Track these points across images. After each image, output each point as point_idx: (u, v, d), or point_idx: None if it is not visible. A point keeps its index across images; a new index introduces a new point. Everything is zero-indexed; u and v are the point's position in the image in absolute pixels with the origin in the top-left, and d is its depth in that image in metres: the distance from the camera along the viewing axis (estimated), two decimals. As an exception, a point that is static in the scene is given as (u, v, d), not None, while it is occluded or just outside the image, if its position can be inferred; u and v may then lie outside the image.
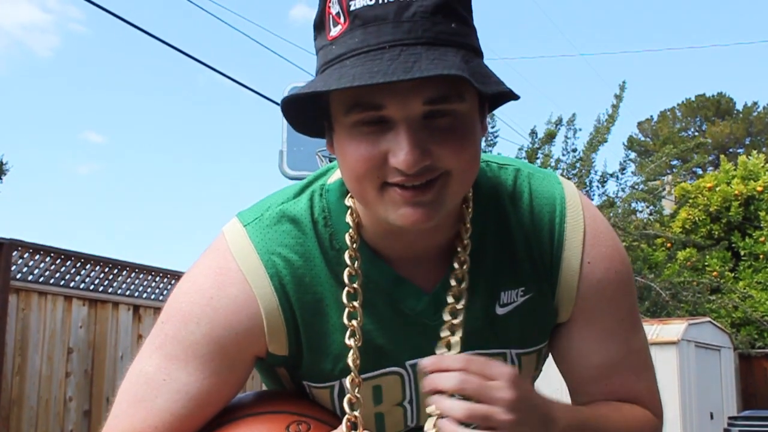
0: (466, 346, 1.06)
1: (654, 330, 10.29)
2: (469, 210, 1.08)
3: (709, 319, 11.79)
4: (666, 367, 9.90)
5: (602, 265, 1.12)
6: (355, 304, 1.05)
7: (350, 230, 1.06)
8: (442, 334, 1.07)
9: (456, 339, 1.06)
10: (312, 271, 1.06)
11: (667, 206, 17.24)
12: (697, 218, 17.32)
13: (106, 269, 7.09)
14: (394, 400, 1.12)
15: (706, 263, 16.45)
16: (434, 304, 1.07)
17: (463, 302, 1.07)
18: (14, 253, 6.22)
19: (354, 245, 1.05)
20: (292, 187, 1.13)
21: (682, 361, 10.01)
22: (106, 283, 7.07)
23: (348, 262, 1.05)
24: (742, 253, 16.93)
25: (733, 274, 16.64)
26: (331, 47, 0.94)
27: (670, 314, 12.83)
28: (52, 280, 6.54)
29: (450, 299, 1.07)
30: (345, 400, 1.05)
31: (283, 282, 1.05)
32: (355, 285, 1.05)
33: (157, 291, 7.64)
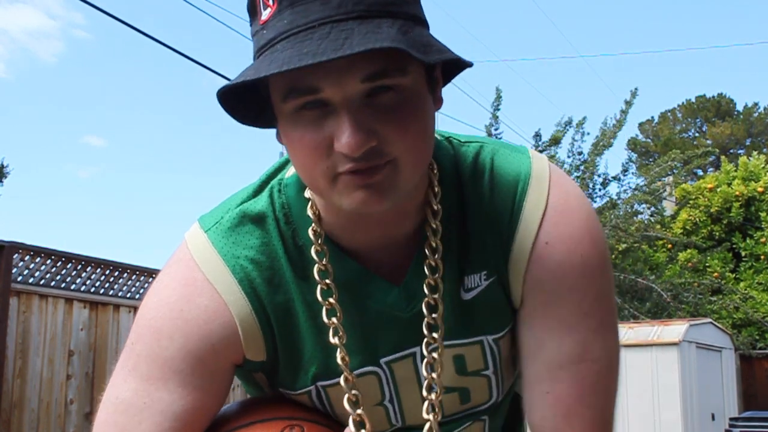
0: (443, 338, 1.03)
1: (655, 331, 10.29)
2: (436, 190, 1.02)
3: (710, 320, 11.79)
4: (667, 368, 9.90)
5: (563, 247, 1.01)
6: (331, 300, 1.00)
7: (312, 224, 1.01)
8: (425, 332, 1.02)
9: (436, 335, 1.02)
10: (279, 271, 1.01)
11: (668, 207, 17.25)
12: (698, 219, 17.31)
13: (107, 271, 7.09)
14: (373, 401, 1.07)
15: (707, 264, 16.44)
16: (405, 296, 1.02)
17: (438, 294, 1.01)
18: (15, 256, 6.22)
19: (319, 240, 1.00)
20: (250, 186, 1.08)
21: (684, 362, 10.00)
22: (107, 285, 7.06)
23: (315, 257, 1.00)
24: (743, 254, 16.92)
25: (734, 275, 16.63)
26: (263, 32, 0.89)
27: (671, 315, 12.83)
28: (53, 283, 6.53)
29: (426, 290, 1.01)
30: (345, 399, 1.01)
31: (253, 285, 1.01)
32: (327, 281, 1.00)
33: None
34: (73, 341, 6.62)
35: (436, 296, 1.01)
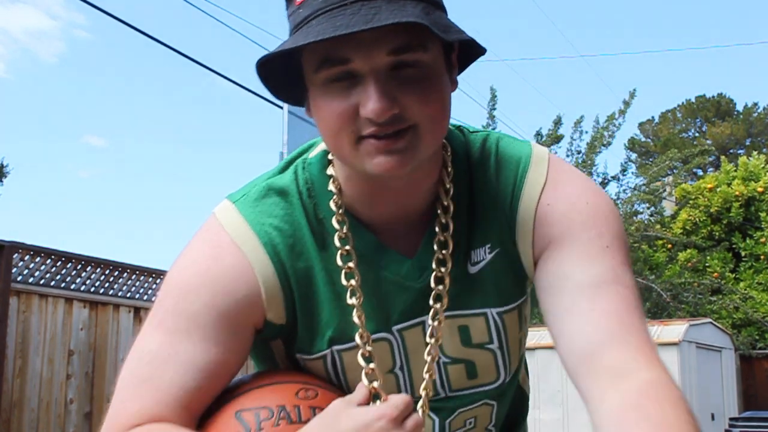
0: (447, 309, 1.10)
1: (655, 331, 10.29)
2: (449, 170, 1.11)
3: (710, 320, 11.79)
4: (667, 368, 9.91)
5: (566, 200, 1.09)
6: (351, 264, 1.07)
7: (334, 197, 1.09)
8: (431, 303, 1.09)
9: (440, 306, 1.09)
10: (301, 240, 1.09)
11: (668, 207, 17.25)
12: (697, 219, 17.31)
13: (107, 271, 7.09)
14: (385, 368, 1.12)
15: (706, 264, 16.44)
16: (417, 268, 1.10)
17: (447, 267, 1.09)
18: (15, 256, 6.22)
19: (339, 210, 1.08)
20: (276, 166, 1.17)
21: (683, 362, 10.00)
22: (106, 285, 7.06)
23: (336, 226, 1.08)
24: (742, 253, 16.92)
25: (733, 275, 16.63)
26: (299, 11, 0.98)
27: (671, 315, 12.84)
28: (52, 283, 6.54)
29: (434, 265, 1.09)
30: (359, 354, 1.08)
31: (276, 250, 1.08)
32: (347, 247, 1.08)
33: (158, 293, 7.63)
34: (73, 341, 6.63)
35: (443, 270, 1.09)
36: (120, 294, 7.20)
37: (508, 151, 1.14)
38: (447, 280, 1.09)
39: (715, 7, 53.52)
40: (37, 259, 6.42)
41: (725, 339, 11.83)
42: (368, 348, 1.08)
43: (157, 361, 1.06)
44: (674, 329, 10.25)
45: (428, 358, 1.10)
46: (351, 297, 1.07)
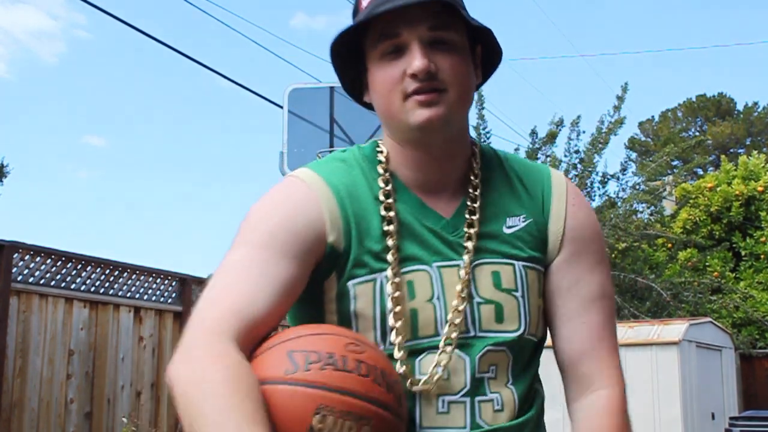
0: (483, 256, 1.34)
1: (655, 330, 10.29)
2: (478, 161, 1.40)
3: (710, 319, 11.78)
4: (667, 368, 9.90)
5: (583, 210, 1.42)
6: (391, 214, 1.34)
7: (382, 162, 1.38)
8: (465, 256, 1.34)
9: (468, 258, 1.33)
10: (357, 191, 1.36)
11: (668, 207, 17.23)
12: (697, 218, 17.30)
13: (107, 271, 7.09)
14: (426, 296, 1.33)
15: (707, 263, 16.44)
16: (451, 226, 1.36)
17: (474, 230, 1.35)
18: (15, 256, 6.22)
19: (386, 173, 1.37)
20: (336, 152, 1.46)
21: (683, 362, 10.00)
22: (107, 285, 7.06)
23: (381, 184, 1.36)
24: (743, 253, 16.91)
25: (734, 275, 16.62)
26: (366, 7, 1.30)
27: (671, 315, 12.82)
28: (53, 282, 6.53)
29: (466, 227, 1.36)
30: (388, 284, 1.30)
31: (338, 190, 1.34)
32: (390, 200, 1.35)
33: (158, 293, 7.64)
34: (73, 341, 6.63)
35: (473, 230, 1.36)
36: (120, 294, 7.19)
37: (529, 163, 1.46)
38: (475, 238, 1.34)
39: (715, 7, 53.53)
40: (37, 259, 6.42)
41: (725, 338, 11.83)
42: (396, 280, 1.30)
43: (236, 268, 1.27)
44: (674, 328, 10.25)
45: (462, 272, 1.34)
46: (389, 239, 1.32)
